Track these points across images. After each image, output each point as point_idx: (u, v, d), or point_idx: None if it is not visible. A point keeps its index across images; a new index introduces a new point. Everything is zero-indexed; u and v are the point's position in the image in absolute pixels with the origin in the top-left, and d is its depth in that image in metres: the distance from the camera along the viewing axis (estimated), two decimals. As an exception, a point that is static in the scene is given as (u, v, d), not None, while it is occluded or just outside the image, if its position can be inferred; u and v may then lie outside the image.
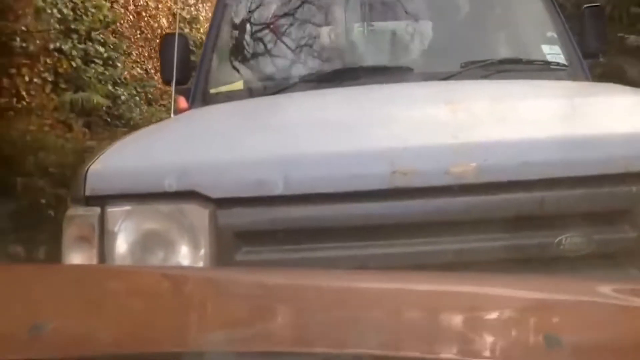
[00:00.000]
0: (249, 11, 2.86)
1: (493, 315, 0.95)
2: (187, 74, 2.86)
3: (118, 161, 1.73)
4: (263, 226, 1.56)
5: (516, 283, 1.11)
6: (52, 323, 0.87)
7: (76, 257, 1.61)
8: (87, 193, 1.61)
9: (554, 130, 1.61)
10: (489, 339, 0.84)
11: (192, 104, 2.63)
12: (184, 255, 1.57)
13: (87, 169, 1.64)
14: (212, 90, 2.65)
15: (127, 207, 1.60)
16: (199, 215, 1.56)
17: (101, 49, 8.89)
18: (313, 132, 1.74)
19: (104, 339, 0.83)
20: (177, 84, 2.74)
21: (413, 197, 1.52)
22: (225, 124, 2.05)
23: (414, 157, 1.55)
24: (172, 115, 2.81)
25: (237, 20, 2.87)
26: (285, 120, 1.95)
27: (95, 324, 0.89)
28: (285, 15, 2.79)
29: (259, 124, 1.94)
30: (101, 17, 8.82)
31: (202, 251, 1.56)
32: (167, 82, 2.86)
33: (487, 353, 0.79)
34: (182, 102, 2.74)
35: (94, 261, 1.59)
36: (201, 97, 2.62)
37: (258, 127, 1.89)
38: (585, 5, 2.84)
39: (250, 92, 2.51)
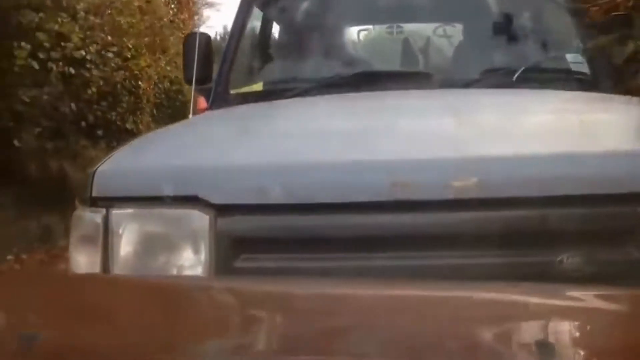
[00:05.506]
0: (271, 13, 2.87)
1: (489, 322, 0.94)
2: (209, 73, 2.87)
3: (124, 164, 1.75)
4: (262, 234, 1.57)
5: (510, 291, 1.10)
6: (44, 333, 0.86)
7: (82, 256, 1.65)
8: (94, 194, 1.64)
9: (558, 147, 1.59)
10: (485, 346, 0.84)
11: (212, 104, 2.64)
12: (185, 260, 1.59)
13: (95, 170, 1.67)
14: (232, 91, 2.66)
15: (131, 210, 1.62)
16: (199, 220, 1.57)
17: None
18: (316, 141, 1.74)
19: (96, 350, 0.82)
20: (199, 83, 2.76)
21: (413, 210, 1.52)
22: (232, 129, 2.06)
23: (414, 169, 1.54)
24: (190, 115, 2.83)
25: (259, 22, 2.88)
26: (290, 128, 1.95)
27: (88, 334, 0.88)
28: (307, 18, 2.79)
29: (264, 130, 1.95)
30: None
31: (202, 256, 1.57)
32: (188, 81, 2.88)
33: None
34: (202, 103, 2.76)
35: (99, 261, 1.61)
36: (221, 98, 2.63)
37: (262, 133, 1.90)
38: (613, 13, 2.79)
39: (269, 94, 2.51)
